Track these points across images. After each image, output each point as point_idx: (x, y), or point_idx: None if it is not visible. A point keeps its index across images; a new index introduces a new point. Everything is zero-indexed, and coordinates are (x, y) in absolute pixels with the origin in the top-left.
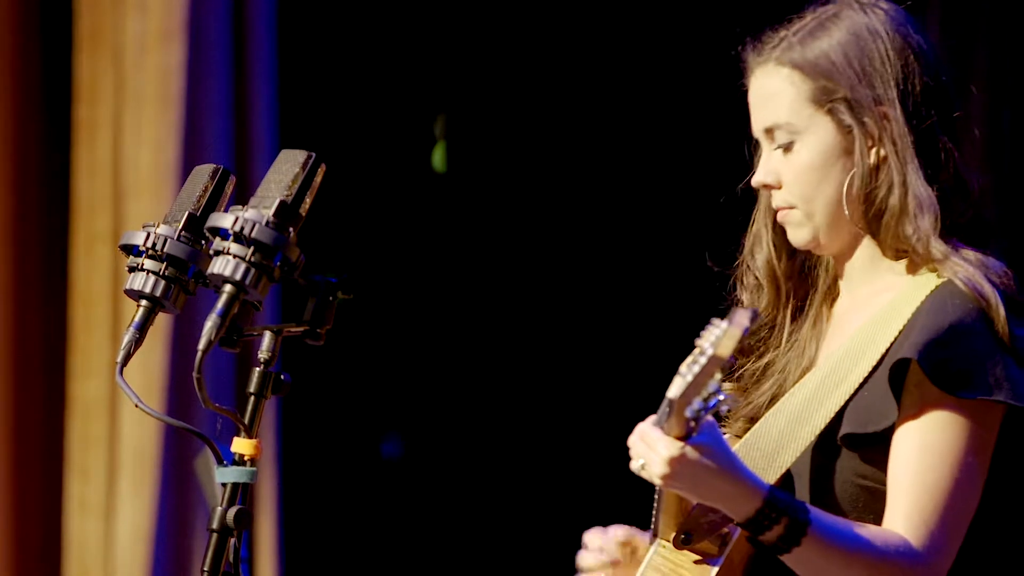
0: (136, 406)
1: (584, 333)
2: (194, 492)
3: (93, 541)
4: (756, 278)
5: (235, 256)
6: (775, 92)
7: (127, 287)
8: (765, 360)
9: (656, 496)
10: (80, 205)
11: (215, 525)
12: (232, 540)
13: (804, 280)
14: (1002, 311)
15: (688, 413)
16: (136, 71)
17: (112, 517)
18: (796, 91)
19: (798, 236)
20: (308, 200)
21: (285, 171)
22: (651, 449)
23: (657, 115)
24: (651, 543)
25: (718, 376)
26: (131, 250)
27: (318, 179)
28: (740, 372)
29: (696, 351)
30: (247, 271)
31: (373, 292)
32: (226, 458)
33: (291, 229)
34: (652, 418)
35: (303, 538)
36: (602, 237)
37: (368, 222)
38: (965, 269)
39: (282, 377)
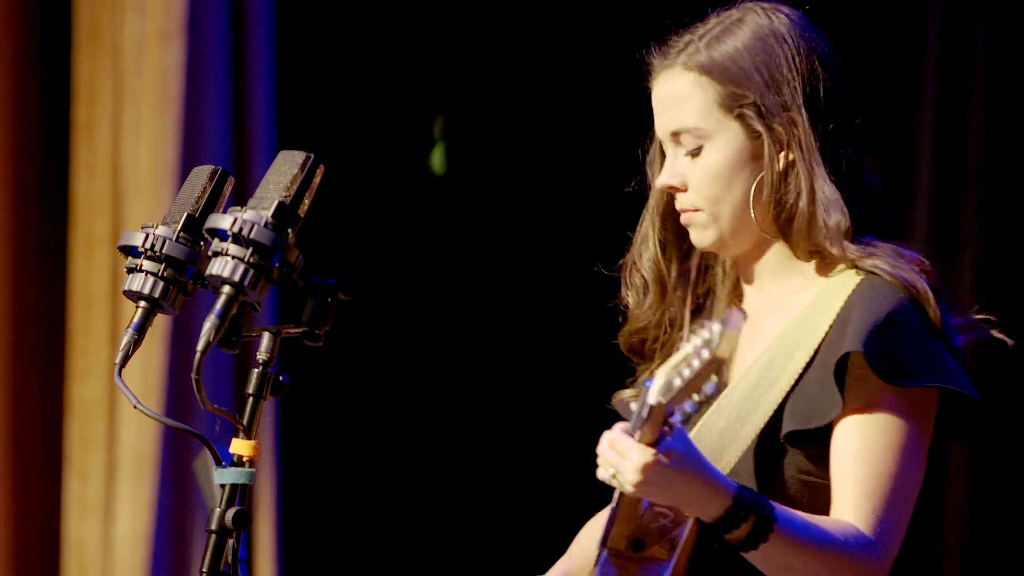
0: (135, 407)
1: (584, 333)
2: (193, 493)
3: (92, 542)
4: (642, 278)
5: (234, 257)
6: (683, 96)
7: (126, 288)
8: None
9: (614, 506)
10: (79, 206)
11: (214, 526)
12: (231, 541)
13: (701, 280)
14: (932, 298)
15: (677, 417)
16: (135, 71)
17: (111, 518)
18: (705, 96)
19: (703, 238)
20: (307, 201)
21: (284, 172)
22: (623, 457)
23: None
24: (599, 551)
25: (714, 378)
26: (130, 251)
27: (317, 180)
28: (636, 377)
29: (682, 355)
30: (246, 272)
31: (372, 293)
32: (225, 459)
33: (290, 230)
34: (621, 425)
35: (302, 539)
36: (601, 237)
37: (367, 223)
38: (886, 261)
39: (281, 378)
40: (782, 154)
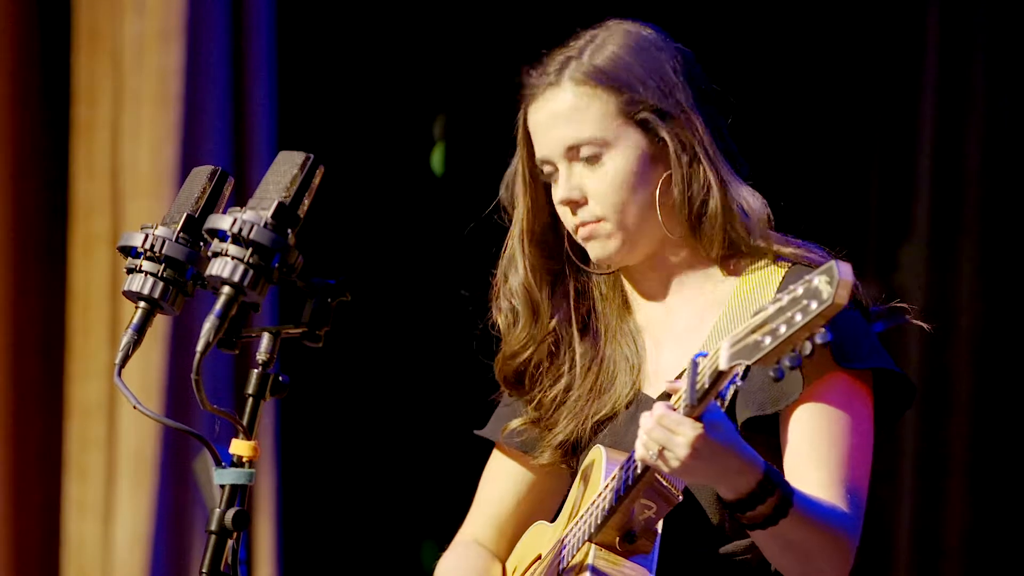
0: (134, 407)
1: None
2: (192, 493)
3: (92, 542)
4: (510, 303)
5: (233, 258)
6: (576, 109)
7: (125, 288)
8: (562, 384)
9: (618, 499)
10: (78, 206)
11: (213, 526)
12: (230, 541)
13: (580, 300)
14: (859, 285)
15: (777, 373)
16: (135, 72)
17: (111, 518)
18: (601, 105)
19: (607, 248)
20: (306, 202)
21: (283, 172)
22: (674, 433)
23: None
24: (583, 547)
25: (824, 329)
26: (129, 251)
27: (316, 180)
28: (536, 400)
29: (769, 313)
30: (245, 273)
31: (371, 294)
32: (224, 460)
33: (289, 231)
34: (663, 403)
35: (301, 539)
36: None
37: (366, 224)
38: (809, 251)
39: (280, 379)
40: (683, 155)
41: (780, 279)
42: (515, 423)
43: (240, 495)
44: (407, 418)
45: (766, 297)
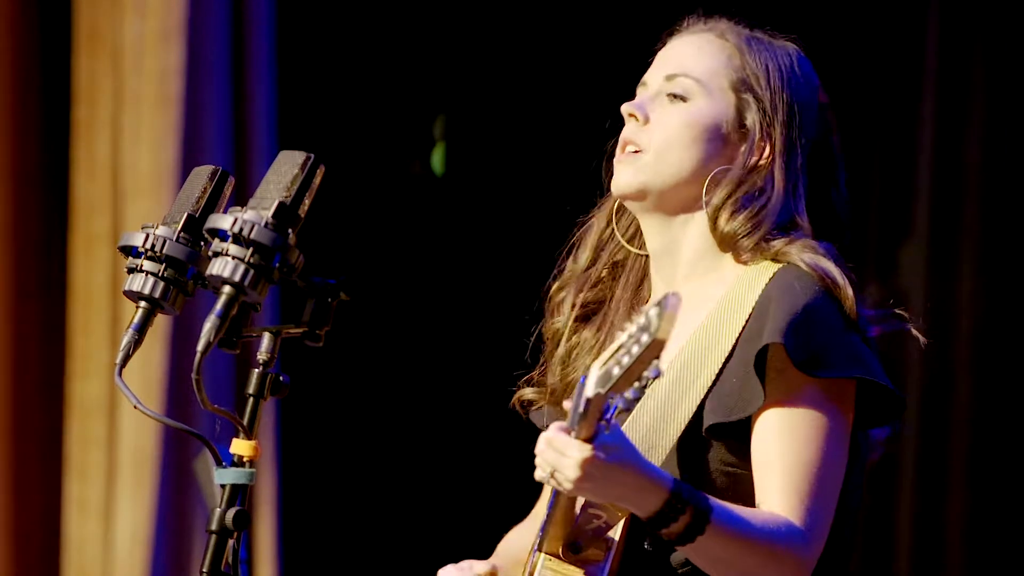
0: (135, 407)
1: None
2: (193, 493)
3: (92, 542)
4: (583, 236)
5: (234, 257)
6: (704, 51)
7: (126, 288)
8: (578, 373)
9: (549, 509)
10: (79, 206)
11: (214, 526)
12: (231, 541)
13: (591, 286)
14: (850, 290)
15: (620, 404)
16: (135, 72)
17: (111, 518)
18: (726, 63)
19: (630, 181)
20: (307, 201)
21: (284, 172)
22: (562, 455)
23: None
24: (532, 557)
25: (656, 362)
26: (130, 251)
27: (317, 180)
28: (541, 366)
29: (618, 343)
30: (246, 272)
31: (372, 293)
32: (225, 459)
33: (290, 230)
34: (558, 424)
35: (302, 539)
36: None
37: (367, 223)
38: (805, 252)
39: (281, 378)
40: (753, 157)
41: (767, 282)
42: (528, 392)
43: (241, 495)
44: (408, 418)
45: (749, 302)
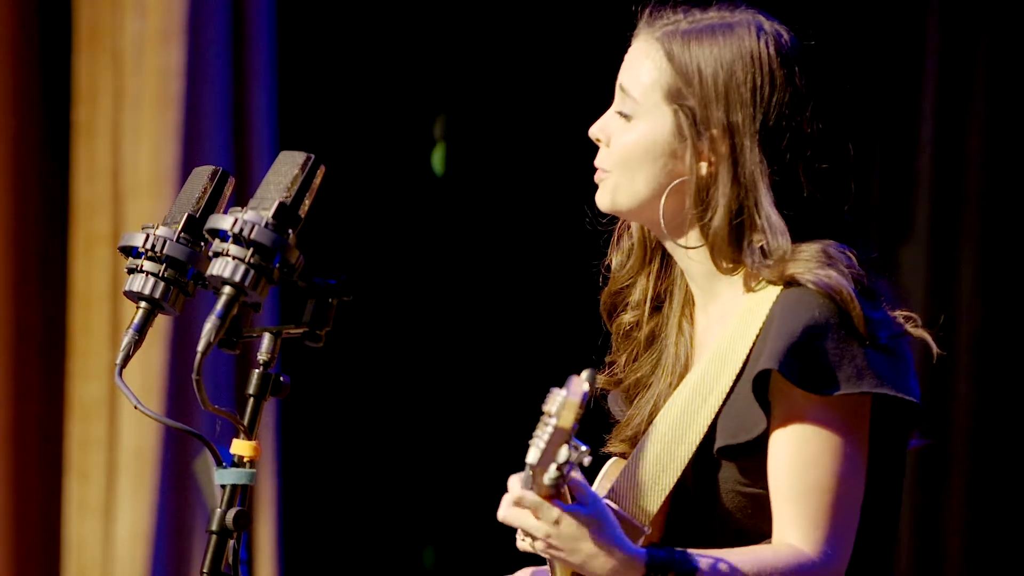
0: (135, 407)
1: (585, 335)
2: (193, 494)
3: (92, 542)
4: (630, 239)
5: (234, 258)
6: (642, 66)
7: (126, 289)
8: (639, 374)
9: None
10: (79, 206)
11: (214, 527)
12: (231, 542)
13: (665, 273)
14: (856, 301)
15: (546, 480)
16: (135, 72)
17: (111, 518)
18: (658, 76)
19: (602, 201)
20: (307, 202)
21: (284, 172)
22: (530, 515)
23: None
24: None
25: (565, 448)
26: (130, 252)
27: (317, 181)
28: (621, 380)
29: (541, 420)
30: (246, 273)
31: (372, 294)
32: (225, 460)
33: (290, 231)
34: (520, 477)
35: (302, 540)
36: (602, 239)
37: (367, 224)
38: (809, 268)
39: (281, 379)
40: (702, 164)
41: (772, 304)
42: (599, 380)
43: (241, 495)
44: (408, 418)
45: (756, 325)
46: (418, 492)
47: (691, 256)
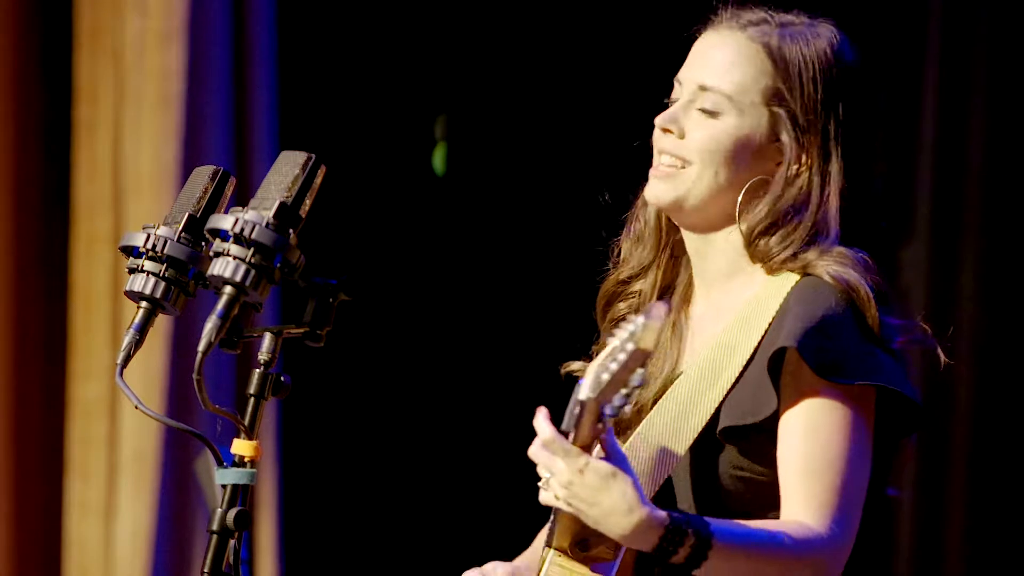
0: (136, 407)
1: (585, 335)
2: (194, 493)
3: (93, 542)
4: (643, 225)
5: (235, 258)
6: (735, 62)
7: (127, 288)
8: None
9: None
10: (80, 206)
11: (215, 526)
12: (232, 541)
13: (671, 266)
14: (873, 302)
15: (608, 411)
16: (136, 72)
17: (112, 518)
18: (756, 74)
19: (666, 193)
20: (308, 202)
21: (285, 172)
22: (558, 458)
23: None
24: (544, 553)
25: (640, 371)
26: (131, 251)
27: (318, 180)
28: (595, 344)
29: (609, 349)
30: (247, 273)
31: (373, 294)
32: (226, 460)
33: (291, 231)
34: (552, 427)
35: (303, 539)
36: (603, 238)
37: (368, 224)
38: (831, 263)
39: (282, 379)
40: (793, 167)
41: (789, 290)
42: (575, 364)
43: (242, 495)
44: (409, 418)
45: (771, 310)
46: (419, 492)
47: (720, 249)
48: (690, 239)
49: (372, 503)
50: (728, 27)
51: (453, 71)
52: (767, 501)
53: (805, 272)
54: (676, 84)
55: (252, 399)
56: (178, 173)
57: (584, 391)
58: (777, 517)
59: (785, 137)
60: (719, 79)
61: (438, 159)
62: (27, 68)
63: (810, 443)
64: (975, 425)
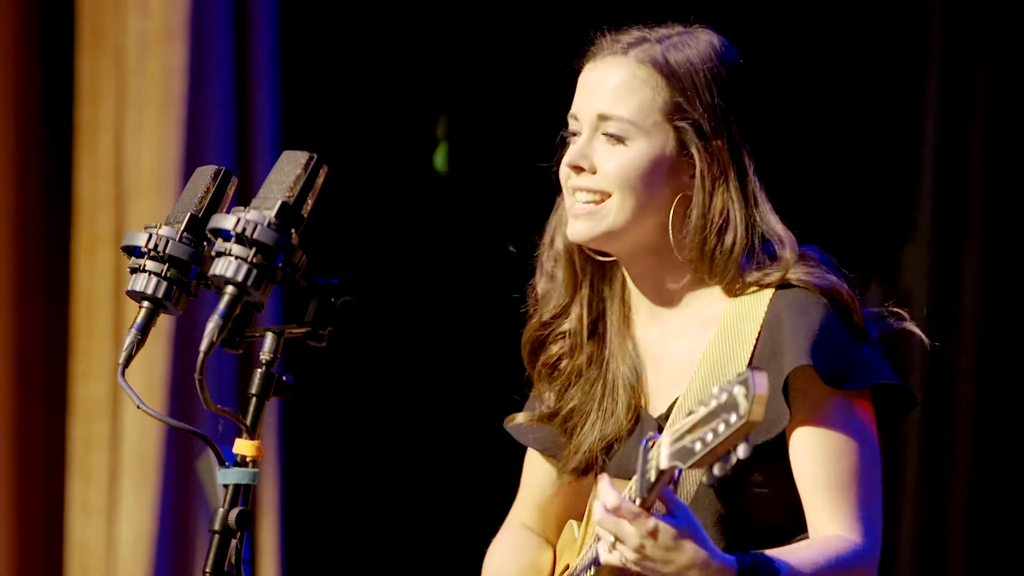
0: (138, 407)
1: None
2: (196, 493)
3: (95, 542)
4: (554, 263)
5: (237, 257)
6: (628, 87)
7: (129, 288)
8: (573, 404)
9: (592, 563)
10: (82, 206)
11: (217, 526)
12: (234, 541)
13: (596, 299)
14: (856, 301)
15: (717, 471)
16: (138, 72)
17: (114, 518)
18: (652, 94)
19: (591, 230)
20: (310, 201)
21: (287, 172)
22: (626, 523)
23: None
24: None
25: (745, 444)
26: (133, 251)
27: (320, 180)
28: (554, 400)
29: (697, 417)
30: (249, 272)
31: (375, 293)
32: (228, 459)
33: (293, 230)
34: (616, 492)
35: (305, 539)
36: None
37: (370, 223)
38: (804, 273)
39: (284, 378)
40: (707, 178)
41: (767, 305)
42: (520, 416)
43: (244, 495)
44: (411, 418)
45: (753, 325)
46: (420, 492)
47: (667, 269)
48: (631, 265)
49: (374, 503)
50: (611, 53)
51: (455, 71)
52: (788, 514)
53: (780, 284)
54: (571, 120)
55: (254, 399)
56: (180, 173)
57: (666, 459)
58: (800, 528)
59: (693, 148)
60: (617, 107)
61: (440, 159)
62: (29, 68)
63: (831, 455)
64: (976, 425)
